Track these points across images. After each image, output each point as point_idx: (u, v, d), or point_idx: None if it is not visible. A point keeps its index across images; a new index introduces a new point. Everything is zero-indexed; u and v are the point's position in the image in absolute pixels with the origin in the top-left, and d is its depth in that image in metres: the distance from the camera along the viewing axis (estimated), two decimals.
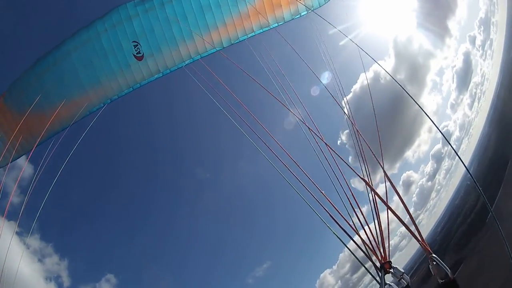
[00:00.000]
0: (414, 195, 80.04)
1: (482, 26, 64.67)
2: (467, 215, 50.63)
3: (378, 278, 7.02)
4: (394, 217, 7.75)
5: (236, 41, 14.25)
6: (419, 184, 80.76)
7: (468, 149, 68.88)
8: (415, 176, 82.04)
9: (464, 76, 71.68)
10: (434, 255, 6.42)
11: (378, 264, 7.12)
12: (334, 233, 7.99)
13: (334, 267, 79.27)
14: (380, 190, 8.48)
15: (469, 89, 71.18)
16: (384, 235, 7.56)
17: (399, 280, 6.85)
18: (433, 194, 77.09)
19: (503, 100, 52.79)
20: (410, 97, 9.03)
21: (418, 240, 6.84)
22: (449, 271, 6.22)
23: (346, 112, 9.88)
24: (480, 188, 8.46)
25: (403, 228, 7.79)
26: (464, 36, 69.51)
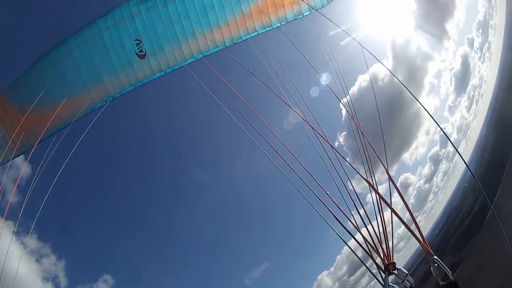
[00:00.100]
0: (412, 197, 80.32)
1: (480, 29, 65.03)
2: (465, 217, 50.87)
3: (381, 280, 6.96)
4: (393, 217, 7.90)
5: (239, 41, 14.21)
6: (416, 186, 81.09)
7: (466, 151, 69.17)
8: (412, 178, 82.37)
9: (462, 79, 72.02)
10: (435, 256, 6.40)
11: (382, 266, 7.07)
12: (337, 234, 7.88)
13: (332, 268, 79.46)
14: (379, 191, 8.55)
15: (467, 91, 71.51)
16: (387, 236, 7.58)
17: (402, 282, 6.79)
18: (431, 196, 77.43)
19: (501, 102, 53.06)
20: (411, 94, 9.09)
21: (420, 242, 6.82)
22: (450, 273, 6.17)
23: (350, 113, 9.92)
24: (480, 185, 8.45)
25: (400, 230, 7.84)
26: (462, 38, 69.85)
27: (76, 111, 13.96)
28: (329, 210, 8.19)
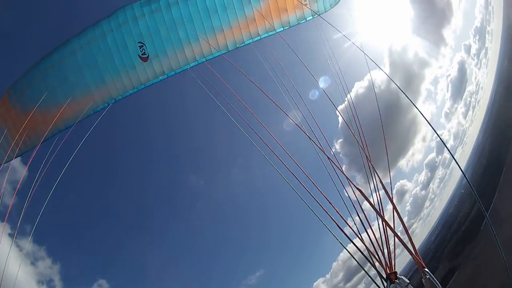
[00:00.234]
0: (408, 204, 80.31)
1: (477, 35, 65.41)
2: (461, 223, 51.09)
3: None
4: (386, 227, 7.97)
5: (242, 45, 14.28)
6: (412, 193, 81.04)
7: (462, 157, 69.44)
8: (409, 185, 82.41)
9: (459, 85, 72.32)
10: (426, 269, 6.43)
11: (383, 274, 7.05)
12: (339, 241, 7.87)
13: (327, 276, 79.16)
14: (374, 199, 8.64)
15: (463, 98, 71.81)
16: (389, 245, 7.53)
17: None
18: (427, 203, 77.45)
19: (498, 108, 53.56)
20: (409, 99, 9.24)
21: (411, 254, 6.81)
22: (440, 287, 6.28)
23: (353, 117, 10.05)
24: (476, 193, 8.53)
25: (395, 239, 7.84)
26: (459, 45, 70.15)
27: (78, 113, 13.97)
28: (330, 216, 8.19)
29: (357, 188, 8.51)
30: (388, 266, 7.18)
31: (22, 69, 14.18)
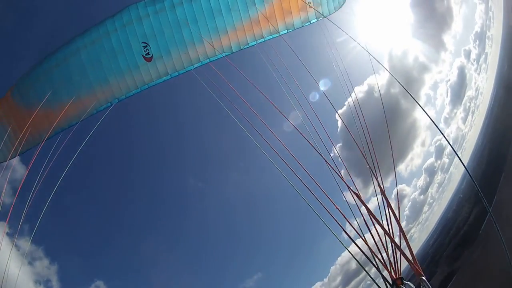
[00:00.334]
0: (407, 208, 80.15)
1: (477, 40, 65.58)
2: (459, 228, 51.21)
3: None
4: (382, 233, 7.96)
5: (245, 47, 14.26)
6: (411, 197, 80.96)
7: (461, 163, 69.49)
8: (407, 189, 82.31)
9: (458, 90, 72.43)
10: (424, 277, 6.44)
11: (389, 280, 6.99)
12: (344, 245, 7.83)
13: (325, 280, 78.98)
14: (373, 203, 8.65)
15: (463, 103, 71.92)
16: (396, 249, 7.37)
17: None
18: (426, 208, 77.39)
19: (497, 113, 53.82)
20: (412, 97, 9.31)
21: (409, 262, 6.75)
22: None
23: (358, 117, 10.10)
24: (478, 187, 8.49)
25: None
26: (459, 50, 70.24)
27: (81, 111, 14.01)
28: (334, 219, 8.04)
29: (357, 196, 8.51)
30: (394, 271, 7.12)
31: (25, 67, 14.28)
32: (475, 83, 69.18)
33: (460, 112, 72.51)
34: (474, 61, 67.89)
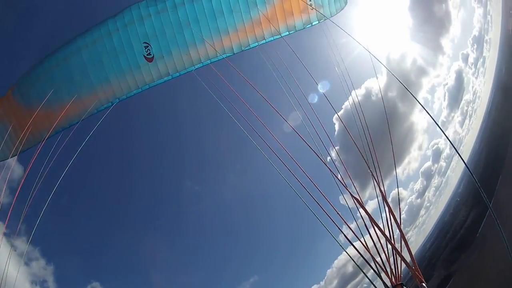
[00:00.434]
0: (403, 212, 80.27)
1: (475, 44, 65.71)
2: (456, 231, 51.34)
3: None
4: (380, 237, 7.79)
5: (247, 48, 14.23)
6: (408, 201, 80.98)
7: (458, 166, 69.88)
8: (404, 193, 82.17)
9: (456, 94, 72.51)
10: (425, 284, 6.39)
11: (389, 285, 6.89)
12: (344, 250, 7.93)
13: (322, 283, 78.90)
14: (369, 207, 8.64)
15: (460, 106, 72.10)
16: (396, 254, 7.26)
17: None
18: (422, 211, 77.37)
19: (495, 117, 54.07)
20: (412, 95, 9.41)
21: (411, 269, 6.65)
22: None
23: (359, 120, 10.11)
24: (478, 182, 8.43)
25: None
26: (457, 54, 70.42)
27: (82, 111, 14.01)
28: (333, 221, 8.17)
29: (358, 202, 8.49)
30: (394, 276, 7.04)
31: (26, 67, 14.29)
32: (472, 86, 69.38)
33: (457, 116, 72.66)
34: (472, 65, 68.09)
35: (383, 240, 7.68)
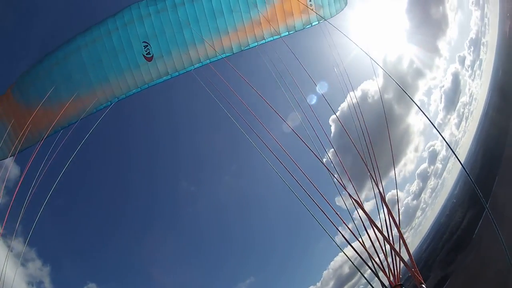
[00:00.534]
0: (400, 213, 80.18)
1: (472, 47, 65.87)
2: (453, 233, 51.51)
3: None
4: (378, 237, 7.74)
5: (246, 48, 14.20)
6: (404, 203, 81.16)
7: (454, 168, 70.16)
8: (400, 195, 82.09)
9: (452, 96, 72.67)
10: (424, 285, 6.40)
11: (387, 285, 6.90)
12: (342, 251, 7.81)
13: (318, 284, 78.84)
14: (366, 208, 8.67)
15: (456, 109, 72.27)
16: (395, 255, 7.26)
17: None
18: (419, 213, 77.57)
19: (491, 119, 54.31)
20: (408, 96, 9.37)
21: (410, 270, 6.67)
22: None
23: (359, 123, 10.14)
24: (474, 183, 8.48)
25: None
26: (453, 56, 70.58)
27: (81, 110, 13.98)
28: (331, 222, 8.12)
29: (358, 204, 8.48)
30: (394, 277, 7.02)
31: (25, 66, 14.25)
32: (469, 89, 69.62)
33: (453, 118, 72.89)
34: (468, 67, 68.30)
35: (381, 240, 7.68)
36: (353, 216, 8.74)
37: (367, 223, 8.05)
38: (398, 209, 8.88)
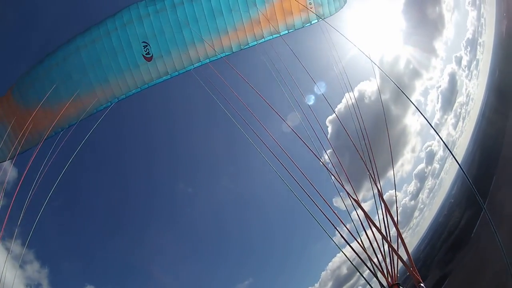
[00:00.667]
0: (398, 214, 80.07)
1: (469, 47, 65.93)
2: (451, 232, 51.58)
3: None
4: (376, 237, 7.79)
5: (246, 47, 14.18)
6: (402, 203, 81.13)
7: (452, 168, 70.31)
8: (398, 195, 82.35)
9: (449, 96, 72.73)
10: (422, 284, 6.37)
11: (385, 284, 6.84)
12: (341, 250, 7.77)
13: (316, 285, 78.78)
14: (364, 208, 8.69)
15: (453, 109, 72.33)
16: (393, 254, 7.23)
17: None
18: (416, 213, 77.63)
19: (488, 119, 54.45)
20: (406, 96, 9.44)
21: (408, 269, 6.65)
22: None
23: (360, 126, 10.16)
24: (472, 184, 8.49)
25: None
26: (450, 56, 70.82)
27: (81, 111, 13.96)
28: (330, 222, 8.06)
29: (357, 203, 8.49)
30: (391, 277, 6.97)
31: (25, 67, 14.23)
32: (466, 89, 69.70)
33: (450, 118, 73.01)
34: (465, 68, 68.40)
35: (379, 240, 7.69)
36: (351, 217, 8.72)
37: (365, 223, 8.05)
38: (397, 207, 8.85)
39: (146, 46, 13.48)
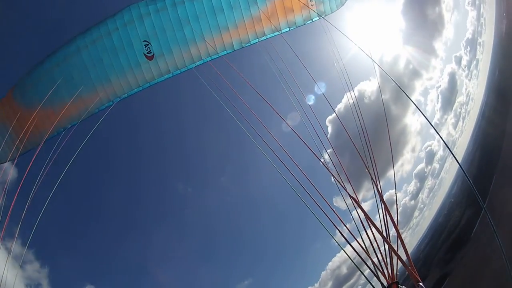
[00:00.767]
0: (398, 213, 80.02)
1: (468, 47, 65.97)
2: (451, 232, 51.56)
3: None
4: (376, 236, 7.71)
5: (247, 44, 14.11)
6: (402, 203, 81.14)
7: (452, 168, 70.35)
8: (398, 195, 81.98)
9: (449, 96, 72.79)
10: (421, 283, 6.33)
11: (385, 284, 6.84)
12: (342, 249, 7.75)
13: (316, 285, 78.80)
14: (364, 208, 8.69)
15: (453, 109, 72.42)
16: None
17: None
18: (416, 213, 77.70)
19: (488, 119, 54.43)
20: (406, 95, 9.32)
21: (407, 268, 6.63)
22: None
23: (360, 124, 10.13)
24: (472, 184, 8.46)
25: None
26: (450, 56, 70.84)
27: (82, 110, 13.94)
28: (331, 221, 8.10)
29: (357, 202, 8.49)
30: (390, 276, 6.96)
31: (26, 67, 14.20)
32: (466, 89, 69.73)
33: (450, 118, 73.05)
34: (465, 67, 68.44)
35: (378, 240, 7.67)
36: (352, 216, 8.71)
37: (365, 222, 8.02)
38: (397, 207, 8.83)
39: (148, 45, 13.43)
